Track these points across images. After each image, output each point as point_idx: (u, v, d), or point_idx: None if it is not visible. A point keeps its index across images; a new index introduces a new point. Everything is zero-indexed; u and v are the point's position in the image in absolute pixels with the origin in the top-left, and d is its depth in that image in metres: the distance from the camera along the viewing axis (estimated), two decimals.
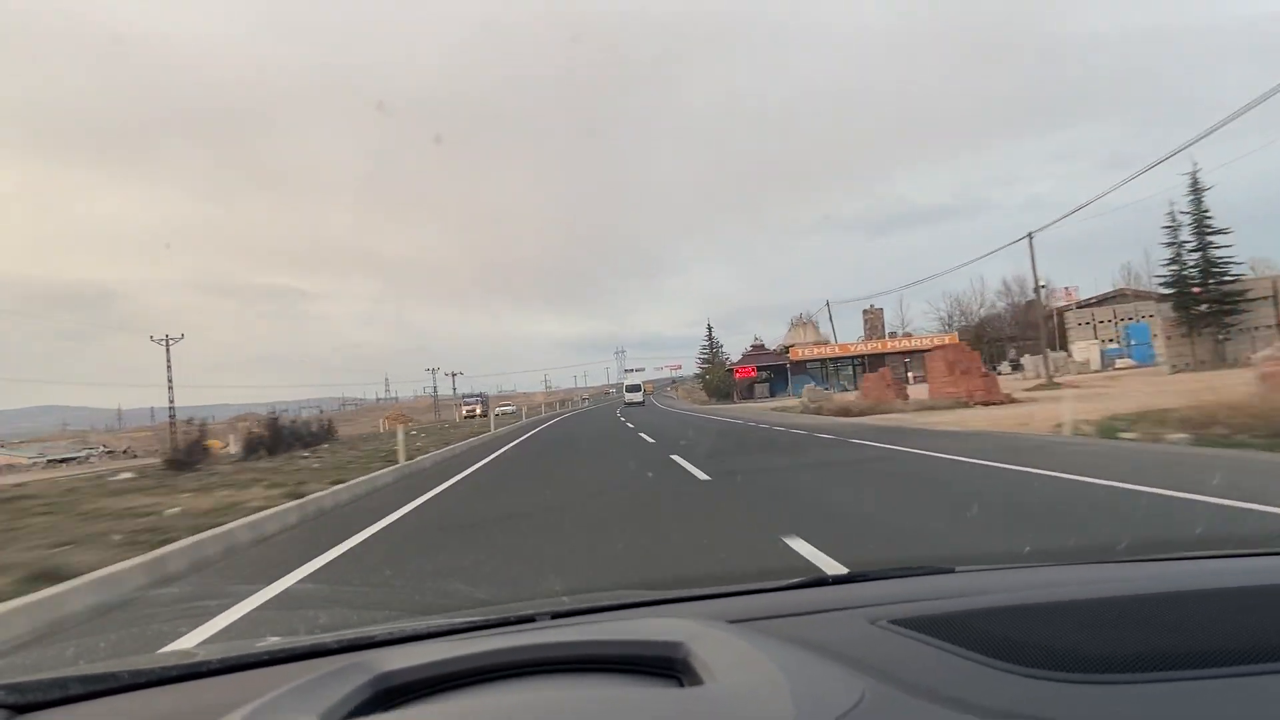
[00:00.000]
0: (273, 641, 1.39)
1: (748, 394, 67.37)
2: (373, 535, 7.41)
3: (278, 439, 25.80)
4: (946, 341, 56.62)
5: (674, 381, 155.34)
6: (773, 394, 65.61)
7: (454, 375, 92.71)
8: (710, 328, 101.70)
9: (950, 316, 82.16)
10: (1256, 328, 37.11)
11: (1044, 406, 19.01)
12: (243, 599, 4.81)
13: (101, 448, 66.38)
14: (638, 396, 79.42)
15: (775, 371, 69.08)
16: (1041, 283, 41.76)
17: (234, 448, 26.75)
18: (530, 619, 1.40)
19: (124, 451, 62.02)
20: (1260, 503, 5.72)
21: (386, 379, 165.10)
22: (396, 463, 15.37)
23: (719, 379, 75.04)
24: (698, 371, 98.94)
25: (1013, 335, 71.40)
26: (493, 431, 32.01)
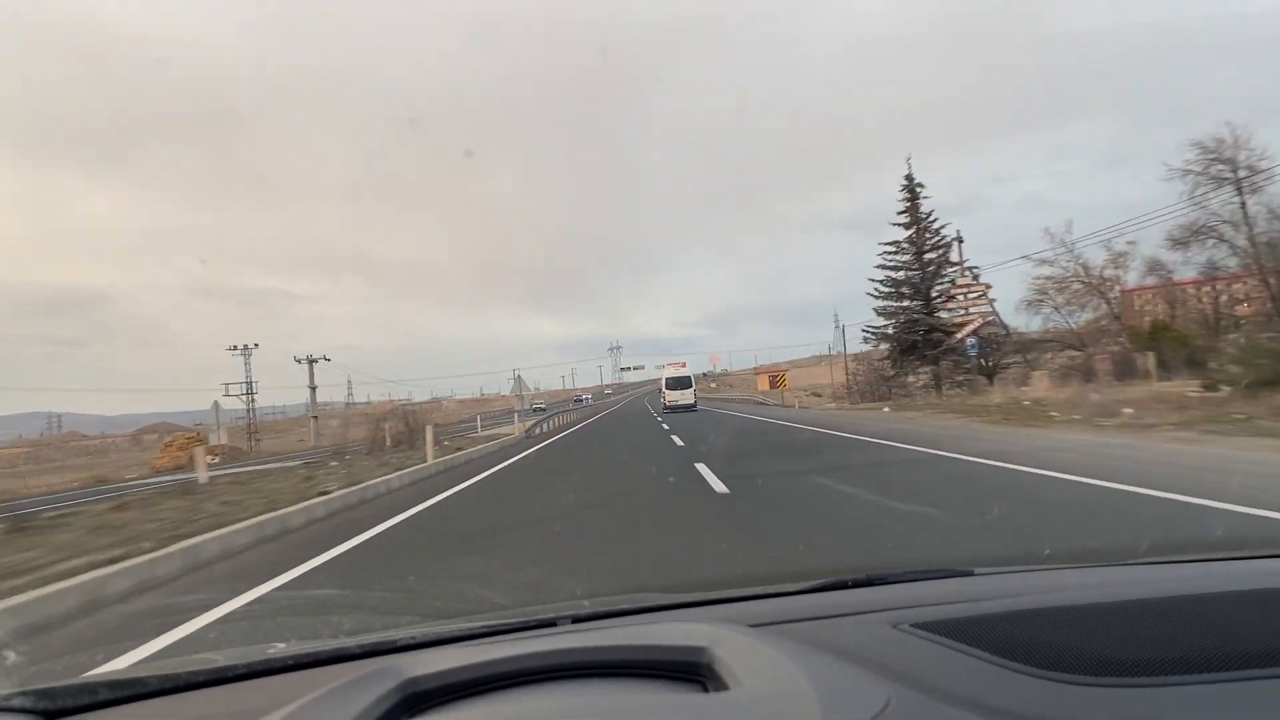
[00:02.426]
0: (298, 646, 1.40)
1: None
2: None
3: None
4: None
5: (707, 375, 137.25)
6: None
7: (311, 361, 58.05)
8: (914, 182, 37.22)
9: None
10: None
11: None
12: None
13: None
14: (686, 396, 45.39)
15: None
16: None
17: None
18: (551, 623, 1.41)
19: None
20: None
21: (349, 381, 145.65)
22: None
23: None
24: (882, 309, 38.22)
25: None
26: None
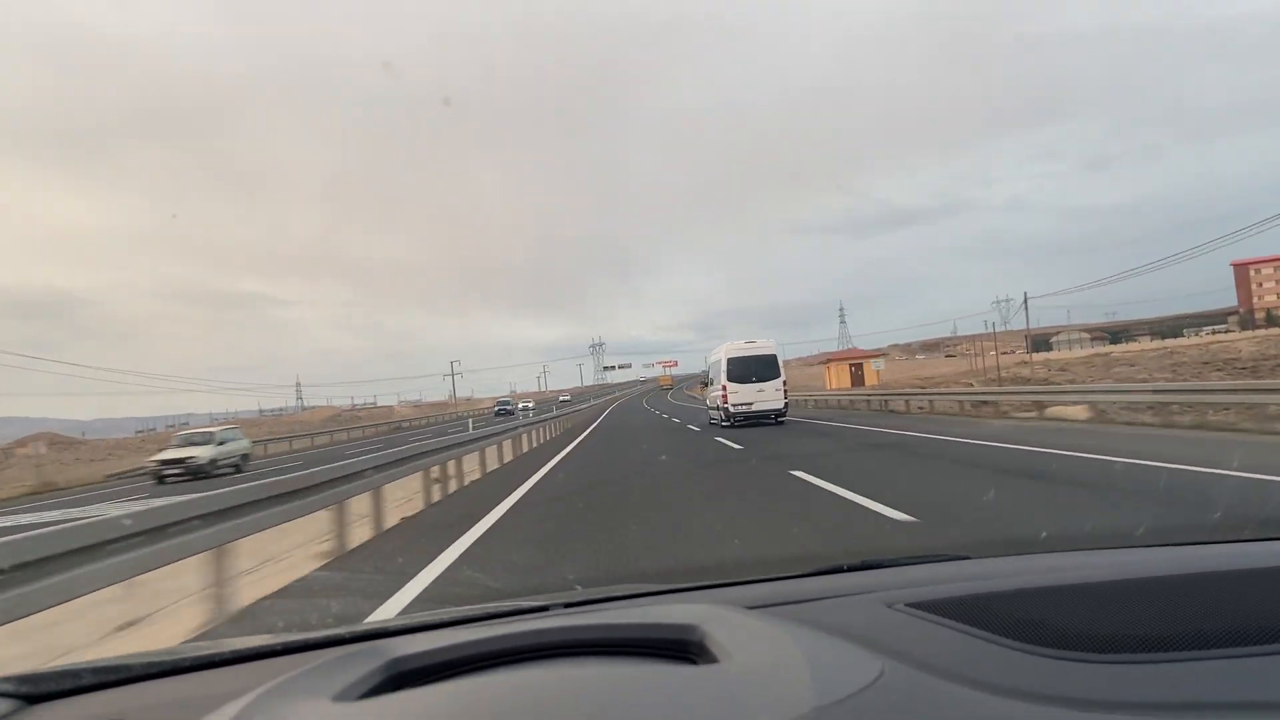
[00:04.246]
0: (287, 634, 1.39)
1: None
2: None
3: None
4: None
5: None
6: None
7: None
8: None
9: None
10: None
11: None
12: None
13: None
14: (767, 397, 22.09)
15: None
16: None
17: None
18: (544, 609, 1.40)
19: None
20: None
21: (298, 383, 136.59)
22: None
23: None
24: None
25: None
26: None
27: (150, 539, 4.35)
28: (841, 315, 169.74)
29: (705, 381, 27.30)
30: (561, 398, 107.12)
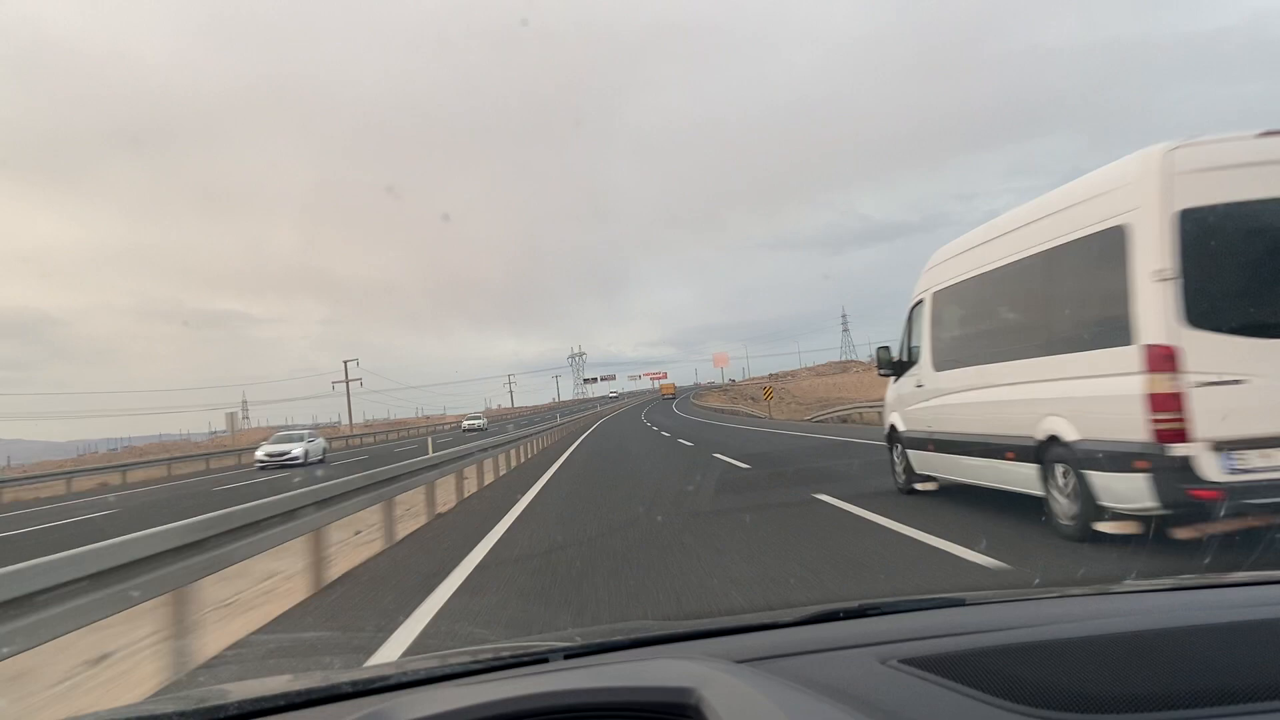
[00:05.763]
0: (287, 682, 1.39)
1: None
2: None
3: None
4: None
5: (728, 385, 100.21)
6: None
7: None
8: None
9: None
10: None
11: None
12: None
13: None
14: None
15: None
16: None
17: None
18: (544, 658, 1.40)
19: None
20: None
21: (244, 399, 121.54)
22: None
23: None
24: None
25: None
26: None
27: None
28: (845, 323, 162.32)
29: (897, 361, 9.04)
30: (467, 421, 64.87)
